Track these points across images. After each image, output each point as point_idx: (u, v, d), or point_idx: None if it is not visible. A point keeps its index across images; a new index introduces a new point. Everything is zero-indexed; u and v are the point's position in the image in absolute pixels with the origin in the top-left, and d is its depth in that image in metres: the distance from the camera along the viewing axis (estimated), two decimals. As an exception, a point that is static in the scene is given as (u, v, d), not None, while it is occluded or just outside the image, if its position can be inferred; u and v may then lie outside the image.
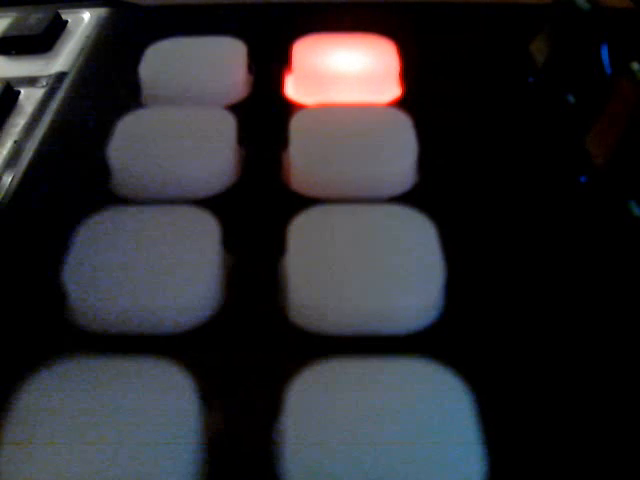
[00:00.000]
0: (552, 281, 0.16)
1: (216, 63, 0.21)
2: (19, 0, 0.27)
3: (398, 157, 0.18)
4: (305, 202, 0.17)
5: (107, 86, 0.22)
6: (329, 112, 0.20)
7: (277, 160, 0.19)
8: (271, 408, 0.13)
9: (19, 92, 0.23)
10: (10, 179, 0.19)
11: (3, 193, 0.18)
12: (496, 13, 0.25)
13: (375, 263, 0.15)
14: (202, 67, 0.21)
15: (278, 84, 0.22)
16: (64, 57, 0.25)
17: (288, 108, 0.21)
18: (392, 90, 0.22)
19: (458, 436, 0.12)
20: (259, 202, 0.18)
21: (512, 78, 0.22)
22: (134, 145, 0.19)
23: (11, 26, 0.26)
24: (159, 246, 0.16)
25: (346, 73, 0.21)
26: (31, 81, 0.24)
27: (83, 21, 0.26)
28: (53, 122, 0.21)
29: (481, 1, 0.26)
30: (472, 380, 0.13)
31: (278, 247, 0.16)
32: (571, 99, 0.21)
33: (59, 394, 0.13)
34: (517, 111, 0.21)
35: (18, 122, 0.22)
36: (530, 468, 0.13)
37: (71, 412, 0.12)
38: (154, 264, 0.15)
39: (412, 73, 0.22)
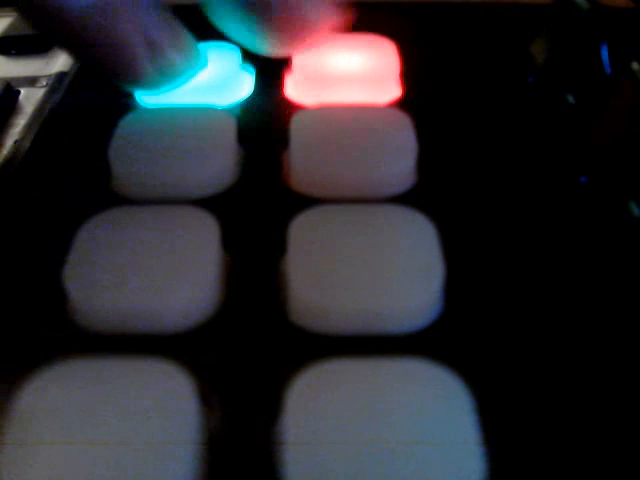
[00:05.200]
0: (552, 281, 0.16)
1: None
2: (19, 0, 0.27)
3: (398, 157, 0.18)
4: (305, 202, 0.17)
5: (107, 86, 0.22)
6: (329, 112, 0.20)
7: (277, 160, 0.19)
8: (271, 408, 0.13)
9: (19, 92, 0.23)
10: (10, 179, 0.19)
11: (3, 193, 0.18)
12: (496, 13, 0.26)
13: (375, 263, 0.15)
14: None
15: (278, 84, 0.22)
16: (64, 57, 0.25)
17: (288, 108, 0.21)
18: (392, 90, 0.22)
19: (458, 436, 0.12)
20: (259, 202, 0.18)
21: (512, 78, 0.22)
22: (134, 145, 0.19)
23: (11, 26, 0.26)
24: (159, 246, 0.16)
25: (346, 73, 0.21)
26: (31, 81, 0.24)
27: (83, 21, 0.26)
28: (53, 122, 0.21)
29: (481, 1, 0.26)
30: (472, 381, 0.13)
31: (278, 247, 0.16)
32: (571, 99, 0.21)
33: (59, 394, 0.13)
34: (517, 111, 0.21)
35: (18, 122, 0.22)
36: (530, 468, 0.13)
37: (71, 412, 0.12)
38: (154, 264, 0.15)
39: (412, 73, 0.22)
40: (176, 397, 0.13)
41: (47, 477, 0.12)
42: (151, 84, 0.19)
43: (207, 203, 0.17)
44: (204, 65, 0.20)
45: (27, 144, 0.20)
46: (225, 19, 0.19)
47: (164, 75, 0.19)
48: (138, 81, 0.18)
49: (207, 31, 0.20)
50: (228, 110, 0.20)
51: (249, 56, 0.22)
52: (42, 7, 0.16)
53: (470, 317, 0.15)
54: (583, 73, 0.21)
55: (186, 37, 0.19)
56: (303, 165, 0.18)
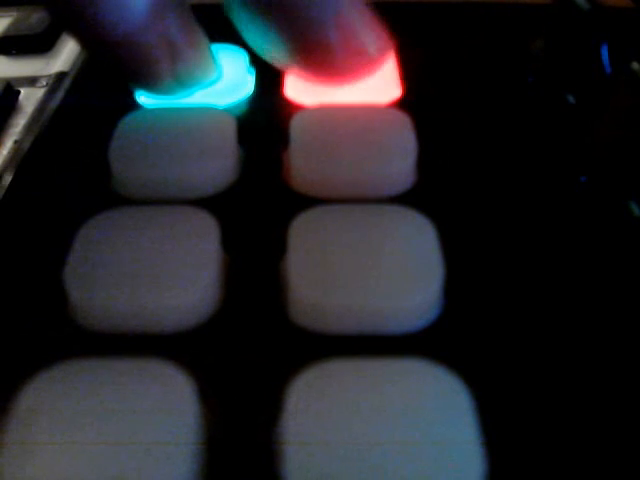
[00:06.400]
0: (552, 281, 0.16)
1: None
2: (19, 0, 0.27)
3: (398, 157, 0.18)
4: (305, 202, 0.17)
5: (107, 86, 0.22)
6: (329, 112, 0.20)
7: (277, 160, 0.19)
8: (271, 408, 0.13)
9: (19, 92, 0.23)
10: (10, 179, 0.19)
11: (3, 193, 0.18)
12: (496, 13, 0.26)
13: (375, 263, 0.15)
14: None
15: (278, 84, 0.22)
16: (64, 57, 0.25)
17: (288, 108, 0.21)
18: (392, 90, 0.22)
19: (458, 437, 0.12)
20: (259, 202, 0.18)
21: (512, 78, 0.23)
22: (134, 145, 0.19)
23: (11, 26, 0.26)
24: (159, 246, 0.16)
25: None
26: (31, 81, 0.24)
27: (83, 21, 0.26)
28: (53, 122, 0.21)
29: (481, 1, 0.26)
30: (472, 381, 0.13)
31: (278, 247, 0.16)
32: (571, 99, 0.21)
33: (59, 394, 0.13)
34: (517, 111, 0.21)
35: (18, 122, 0.22)
36: (530, 468, 0.13)
37: (71, 412, 0.12)
38: (154, 264, 0.15)
39: (412, 73, 0.22)
40: (176, 397, 0.13)
41: (47, 477, 0.12)
42: (165, 89, 0.19)
43: (207, 203, 0.17)
44: (219, 77, 0.20)
45: (27, 144, 0.20)
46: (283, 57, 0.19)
47: (180, 80, 0.19)
48: (153, 84, 0.19)
49: (213, 33, 0.20)
50: (228, 110, 0.20)
51: (250, 57, 0.22)
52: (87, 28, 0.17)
53: (470, 317, 0.15)
54: (583, 73, 0.21)
55: (207, 48, 0.19)
56: (303, 165, 0.18)
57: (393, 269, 0.15)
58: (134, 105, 0.21)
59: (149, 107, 0.21)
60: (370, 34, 0.19)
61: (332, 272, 0.15)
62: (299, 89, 0.22)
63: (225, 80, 0.21)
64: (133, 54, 0.17)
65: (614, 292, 0.16)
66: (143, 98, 0.21)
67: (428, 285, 0.15)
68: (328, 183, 0.18)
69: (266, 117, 0.21)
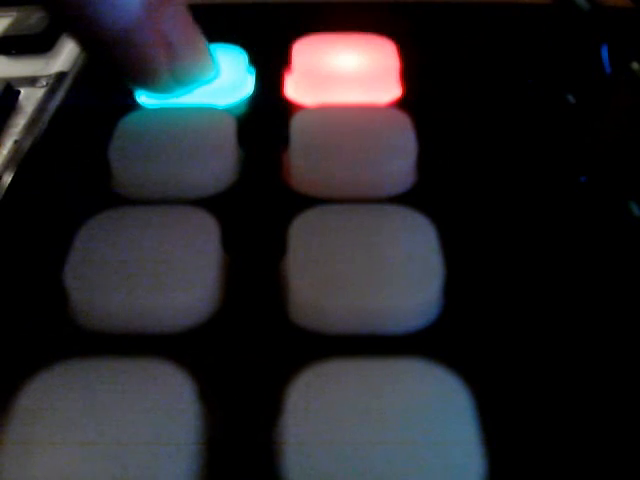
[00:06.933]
0: (552, 281, 0.16)
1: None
2: (19, 0, 0.27)
3: (398, 157, 0.18)
4: (305, 202, 0.17)
5: (107, 86, 0.22)
6: (329, 112, 0.20)
7: (277, 160, 0.19)
8: (271, 408, 0.13)
9: (19, 92, 0.23)
10: (10, 179, 0.19)
11: (3, 193, 0.18)
12: (496, 13, 0.26)
13: (375, 263, 0.15)
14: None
15: (278, 84, 0.22)
16: (64, 57, 0.25)
17: (288, 108, 0.21)
18: (392, 90, 0.22)
19: (458, 436, 0.12)
20: (259, 202, 0.18)
21: (512, 78, 0.23)
22: (134, 145, 0.19)
23: (11, 26, 0.26)
24: (159, 246, 0.16)
25: (346, 73, 0.21)
26: (31, 81, 0.24)
27: (83, 21, 0.26)
28: (53, 122, 0.21)
29: (481, 1, 0.26)
30: (472, 380, 0.13)
31: (278, 247, 0.16)
32: (571, 99, 0.21)
33: (59, 394, 0.13)
34: (517, 111, 0.21)
35: (18, 122, 0.22)
36: (530, 468, 0.13)
37: (71, 412, 0.12)
38: (154, 264, 0.15)
39: (412, 73, 0.22)
40: (176, 397, 0.13)
41: (47, 477, 0.12)
42: (163, 87, 0.19)
43: (207, 203, 0.17)
44: (217, 75, 0.20)
45: (27, 144, 0.20)
46: None
47: (178, 79, 0.19)
48: (151, 83, 0.19)
49: (213, 33, 0.20)
50: (228, 110, 0.20)
51: (250, 57, 0.22)
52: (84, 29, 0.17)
53: (470, 317, 0.15)
54: (583, 73, 0.21)
55: (204, 46, 0.19)
56: (303, 165, 0.18)
57: (393, 269, 0.15)
58: (134, 105, 0.21)
59: (149, 107, 0.21)
60: None
61: (332, 272, 0.15)
62: (299, 89, 0.22)
63: (225, 80, 0.21)
64: (130, 53, 0.17)
65: (614, 292, 0.16)
66: (143, 98, 0.21)
67: (428, 285, 0.15)
68: (328, 183, 0.18)
69: (266, 117, 0.21)
